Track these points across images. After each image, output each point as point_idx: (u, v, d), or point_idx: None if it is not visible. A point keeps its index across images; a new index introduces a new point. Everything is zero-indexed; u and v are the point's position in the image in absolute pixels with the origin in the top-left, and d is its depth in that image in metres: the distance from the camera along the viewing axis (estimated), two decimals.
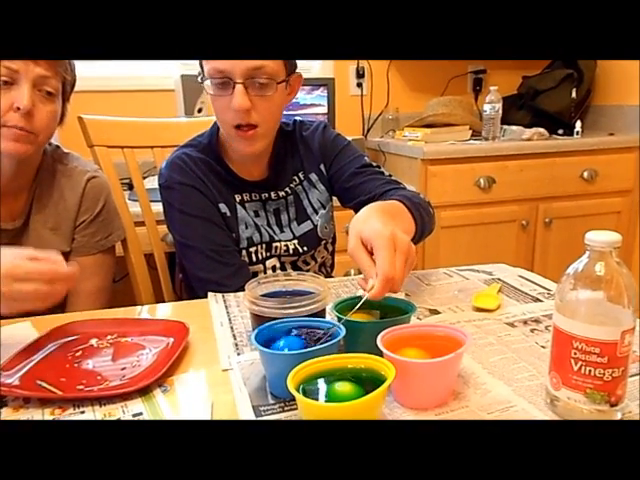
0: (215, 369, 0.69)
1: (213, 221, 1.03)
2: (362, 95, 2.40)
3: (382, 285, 0.66)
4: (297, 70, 1.05)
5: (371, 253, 0.70)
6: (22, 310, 0.74)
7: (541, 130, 2.10)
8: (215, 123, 1.09)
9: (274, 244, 1.09)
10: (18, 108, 0.91)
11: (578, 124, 2.18)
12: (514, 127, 2.12)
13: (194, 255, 1.03)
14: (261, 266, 1.08)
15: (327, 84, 2.03)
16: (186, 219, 1.03)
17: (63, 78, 0.98)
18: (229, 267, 1.01)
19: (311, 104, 2.02)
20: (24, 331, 0.79)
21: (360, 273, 0.74)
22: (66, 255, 1.08)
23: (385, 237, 0.69)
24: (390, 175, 1.12)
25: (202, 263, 1.02)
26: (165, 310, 0.98)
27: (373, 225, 0.72)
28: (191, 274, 1.05)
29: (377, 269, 0.67)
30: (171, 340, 0.75)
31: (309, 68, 2.33)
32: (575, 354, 0.53)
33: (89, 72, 2.03)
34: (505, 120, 2.16)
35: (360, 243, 0.71)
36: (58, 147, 1.11)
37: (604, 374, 0.52)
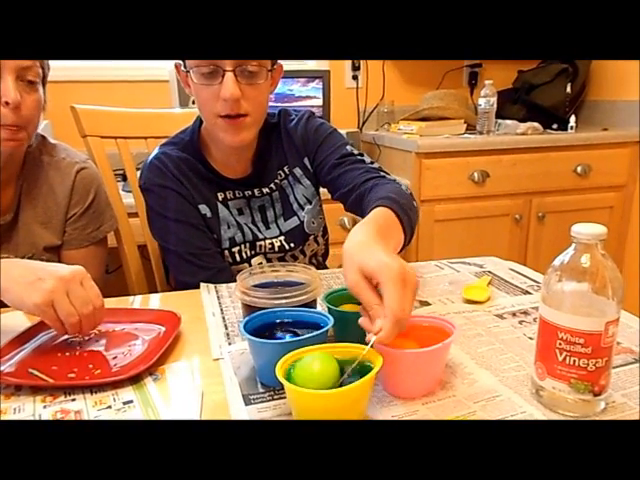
0: (206, 358, 0.70)
1: (191, 224, 1.01)
2: (357, 88, 2.40)
3: (392, 327, 0.57)
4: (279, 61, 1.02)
5: (375, 286, 0.61)
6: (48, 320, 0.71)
7: (535, 124, 2.11)
8: (197, 119, 1.07)
9: (258, 243, 1.07)
10: (7, 103, 0.88)
11: (572, 119, 2.18)
12: (509, 121, 2.13)
13: (173, 258, 1.02)
14: (246, 265, 1.06)
15: (322, 76, 2.02)
16: (164, 222, 1.02)
17: (42, 63, 0.96)
18: (208, 270, 1.00)
19: (306, 96, 2.01)
20: (16, 320, 0.79)
21: None
22: (57, 248, 1.07)
23: (394, 272, 0.59)
24: (372, 162, 1.07)
25: (181, 267, 1.01)
26: (158, 300, 0.98)
27: (377, 256, 0.62)
28: (173, 276, 1.05)
29: (386, 309, 0.58)
30: (163, 329, 0.76)
31: (304, 60, 2.33)
32: (560, 344, 0.54)
33: (83, 62, 2.03)
34: (500, 114, 2.16)
35: (362, 277, 0.61)
36: (44, 138, 1.08)
37: (588, 364, 0.53)
